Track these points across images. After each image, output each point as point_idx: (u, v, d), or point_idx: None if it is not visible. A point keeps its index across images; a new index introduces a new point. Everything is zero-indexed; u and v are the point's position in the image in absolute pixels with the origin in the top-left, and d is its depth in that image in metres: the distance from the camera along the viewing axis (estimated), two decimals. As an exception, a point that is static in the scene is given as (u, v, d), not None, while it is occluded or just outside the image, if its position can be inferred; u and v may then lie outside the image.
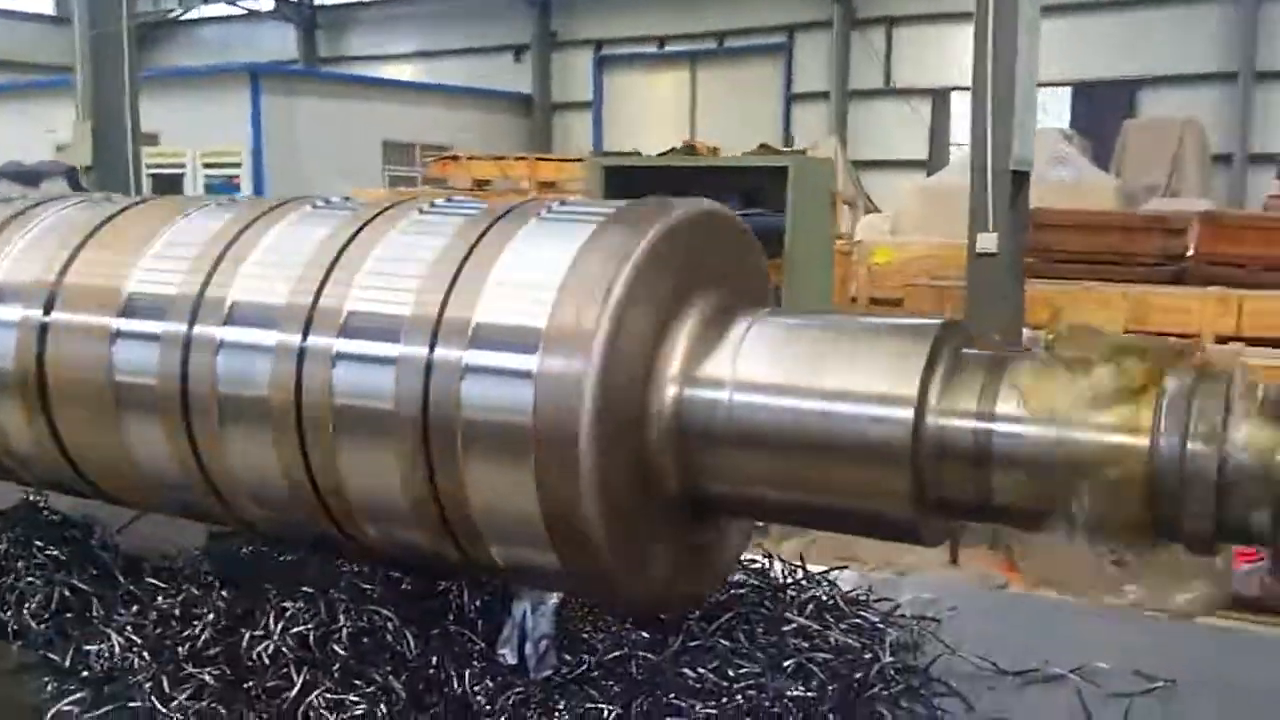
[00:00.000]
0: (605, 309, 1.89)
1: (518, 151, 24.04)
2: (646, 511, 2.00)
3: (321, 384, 2.14)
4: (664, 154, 10.06)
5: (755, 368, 1.94)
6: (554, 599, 2.63)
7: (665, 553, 2.10)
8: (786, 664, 2.40)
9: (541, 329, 1.93)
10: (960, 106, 28.83)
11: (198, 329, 2.32)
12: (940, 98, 28.57)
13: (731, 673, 2.40)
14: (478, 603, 2.75)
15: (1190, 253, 12.21)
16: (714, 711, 2.24)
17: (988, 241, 7.40)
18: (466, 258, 2.08)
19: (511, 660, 2.63)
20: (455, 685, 2.50)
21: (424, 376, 2.03)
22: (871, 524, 1.94)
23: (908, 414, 1.79)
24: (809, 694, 2.27)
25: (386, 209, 2.35)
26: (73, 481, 2.76)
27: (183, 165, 25.69)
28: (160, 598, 2.88)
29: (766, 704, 2.25)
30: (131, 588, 3.02)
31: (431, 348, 2.03)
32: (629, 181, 8.47)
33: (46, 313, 2.57)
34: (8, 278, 2.67)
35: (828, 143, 23.26)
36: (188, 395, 2.32)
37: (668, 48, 32.59)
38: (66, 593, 3.01)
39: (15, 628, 2.93)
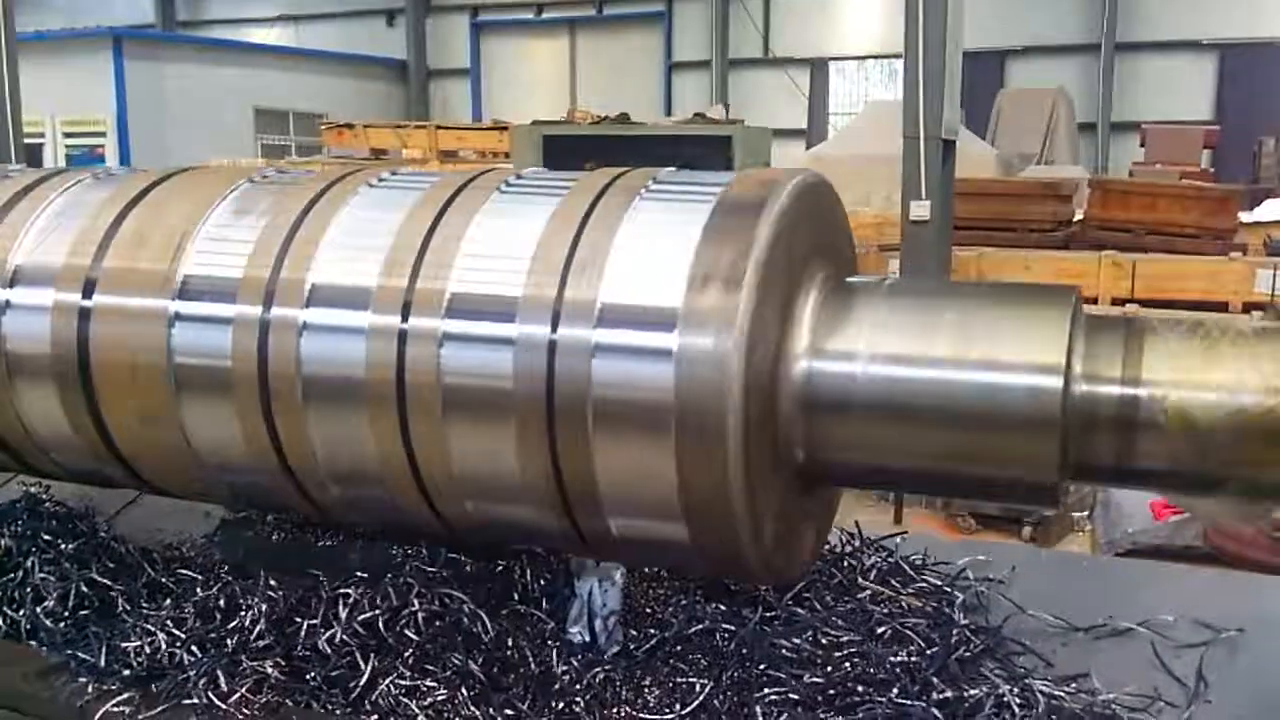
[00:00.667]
0: (745, 286, 1.89)
1: (395, 119, 23.58)
2: (775, 484, 2.01)
3: (427, 364, 2.09)
4: (597, 122, 9.99)
5: (888, 339, 1.96)
6: (620, 574, 2.62)
7: (786, 523, 2.11)
8: (882, 630, 2.44)
9: (678, 308, 1.91)
10: (837, 77, 29.36)
11: (277, 311, 2.22)
12: (819, 68, 28.99)
13: (825, 640, 2.43)
14: (540, 581, 2.72)
15: (1079, 218, 12.73)
16: (820, 680, 2.27)
17: (920, 209, 7.61)
18: (578, 238, 2.04)
19: (584, 639, 2.61)
20: (532, 665, 2.48)
21: (547, 355, 1.99)
22: (1010, 491, 1.99)
23: (1057, 381, 1.83)
24: (911, 660, 2.31)
25: (461, 187, 2.28)
26: (106, 467, 2.61)
27: (42, 135, 24.32)
28: (199, 589, 2.78)
29: (871, 671, 2.29)
30: (163, 579, 2.89)
31: (554, 327, 1.99)
32: (563, 150, 8.39)
33: (87, 296, 2.42)
34: (34, 259, 2.51)
35: (715, 111, 23.39)
36: (267, 377, 2.23)
37: (546, 15, 32.23)
38: (85, 588, 2.87)
39: (30, 626, 2.78)
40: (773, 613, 2.57)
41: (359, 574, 2.68)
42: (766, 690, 2.29)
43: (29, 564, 2.92)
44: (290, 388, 2.22)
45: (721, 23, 29.27)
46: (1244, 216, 13.08)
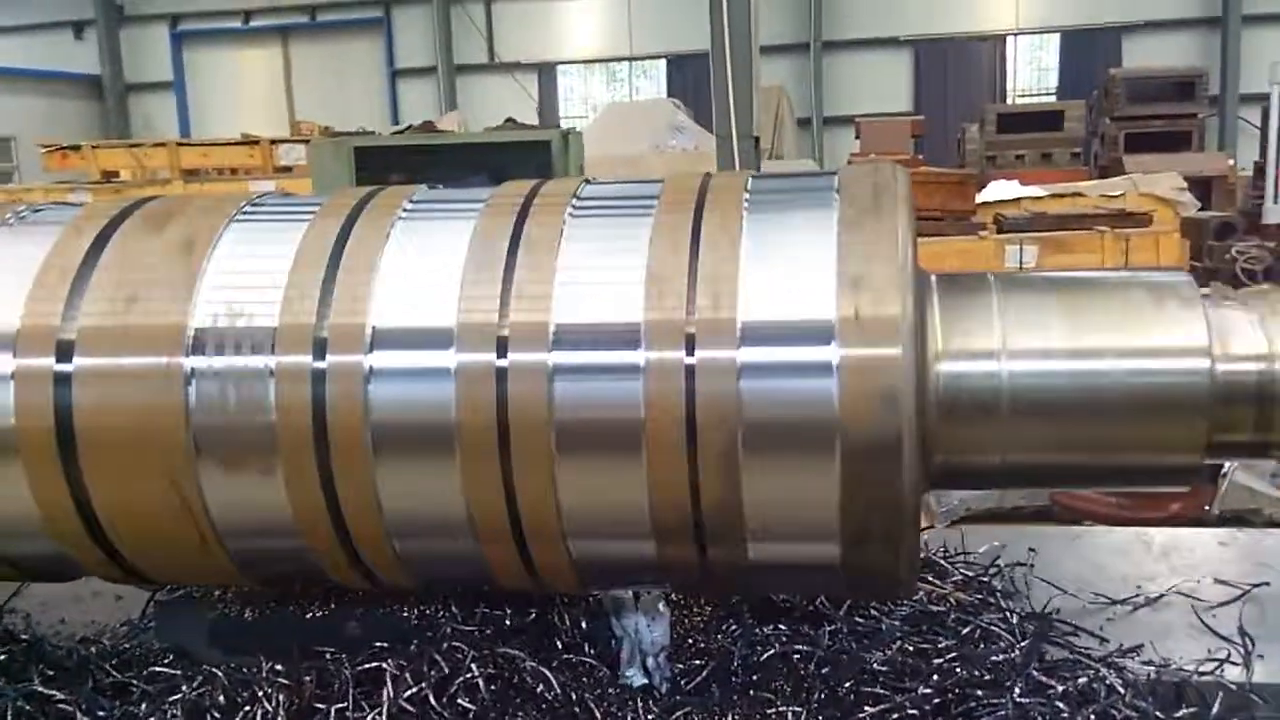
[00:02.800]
0: (903, 287, 1.81)
1: (90, 138, 21.62)
2: (922, 492, 1.94)
3: (535, 401, 1.88)
4: (400, 131, 9.48)
5: (1026, 334, 1.93)
6: (665, 607, 2.48)
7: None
8: (967, 629, 2.42)
9: (832, 319, 1.80)
10: (564, 80, 29.60)
11: (335, 358, 1.93)
12: (546, 72, 29.12)
13: (910, 647, 2.39)
14: (582, 624, 2.54)
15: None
16: (929, 691, 2.22)
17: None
18: (695, 254, 1.89)
19: (640, 681, 2.46)
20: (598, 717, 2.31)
21: (685, 380, 1.83)
22: (1154, 475, 2.01)
23: (1204, 364, 1.86)
24: (1004, 658, 2.31)
25: (522, 207, 2.08)
26: (76, 552, 2.20)
27: None
28: (184, 686, 2.40)
29: (974, 673, 2.26)
30: (129, 679, 2.48)
31: (690, 350, 1.83)
32: (373, 163, 7.93)
33: (64, 359, 2.03)
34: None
35: (448, 119, 23.02)
36: (325, 428, 1.94)
37: (255, 22, 30.64)
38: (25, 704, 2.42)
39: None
40: (833, 626, 2.51)
41: (377, 644, 2.41)
42: (867, 709, 2.23)
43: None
44: (355, 439, 1.94)
45: (444, 29, 28.84)
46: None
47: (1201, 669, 2.34)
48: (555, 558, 2.02)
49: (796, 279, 1.85)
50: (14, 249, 2.20)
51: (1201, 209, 14.94)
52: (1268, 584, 2.62)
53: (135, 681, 2.45)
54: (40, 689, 2.43)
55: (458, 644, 2.34)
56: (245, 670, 2.37)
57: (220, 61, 31.21)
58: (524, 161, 7.73)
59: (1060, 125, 19.87)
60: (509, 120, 12.56)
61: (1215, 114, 22.73)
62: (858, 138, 22.76)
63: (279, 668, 2.36)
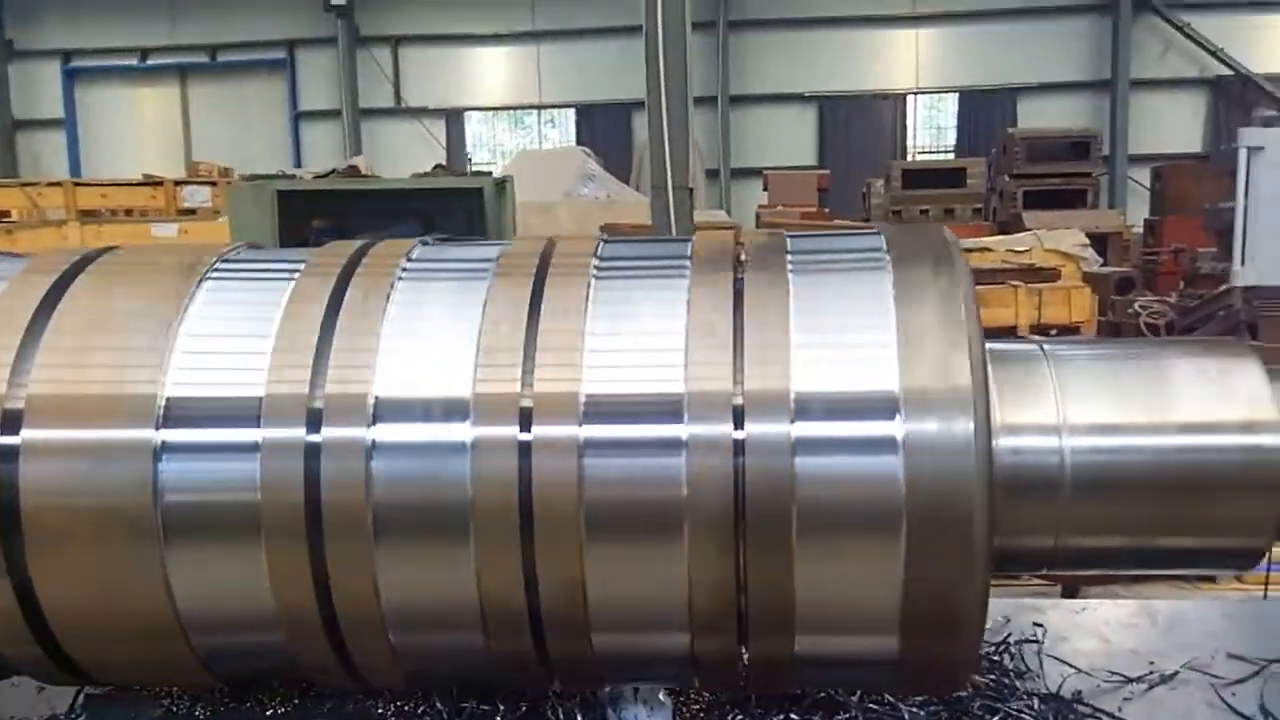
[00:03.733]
0: (970, 356, 1.66)
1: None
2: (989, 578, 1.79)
3: (564, 479, 1.69)
4: (323, 176, 9.10)
5: (1086, 408, 1.82)
6: (666, 697, 2.29)
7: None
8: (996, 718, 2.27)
9: (895, 390, 1.65)
10: (472, 126, 29.39)
11: (329, 432, 1.71)
12: (454, 118, 28.87)
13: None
14: (578, 718, 2.32)
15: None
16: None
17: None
18: (739, 321, 1.74)
19: (647, 775, 2.25)
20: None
21: (732, 457, 1.66)
22: (1219, 558, 1.89)
23: (1276, 439, 1.76)
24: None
25: (541, 267, 1.90)
26: (14, 650, 1.92)
27: None
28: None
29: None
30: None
31: (738, 424, 1.66)
32: (290, 205, 7.57)
33: (11, 432, 1.77)
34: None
35: (356, 162, 22.62)
36: (319, 510, 1.71)
37: (152, 60, 29.76)
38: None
39: None
40: (850, 714, 2.34)
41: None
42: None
43: None
44: (354, 520, 1.72)
45: (350, 71, 28.41)
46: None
47: (1232, 753, 2.23)
48: (577, 650, 1.82)
49: (851, 348, 1.70)
50: None
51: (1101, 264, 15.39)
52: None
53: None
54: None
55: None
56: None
57: (115, 100, 30.20)
58: (454, 209, 7.49)
59: (963, 182, 20.37)
60: (438, 166, 12.29)
61: (1106, 173, 23.55)
62: (765, 189, 22.99)
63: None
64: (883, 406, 1.66)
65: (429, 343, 1.78)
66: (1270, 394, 1.79)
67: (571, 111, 28.80)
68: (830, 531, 1.67)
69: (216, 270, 1.93)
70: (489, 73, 28.69)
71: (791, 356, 1.70)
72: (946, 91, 28.02)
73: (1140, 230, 20.16)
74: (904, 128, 28.41)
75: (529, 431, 1.70)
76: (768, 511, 1.66)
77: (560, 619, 1.76)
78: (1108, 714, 2.40)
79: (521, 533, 1.70)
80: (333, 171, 9.52)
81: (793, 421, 1.66)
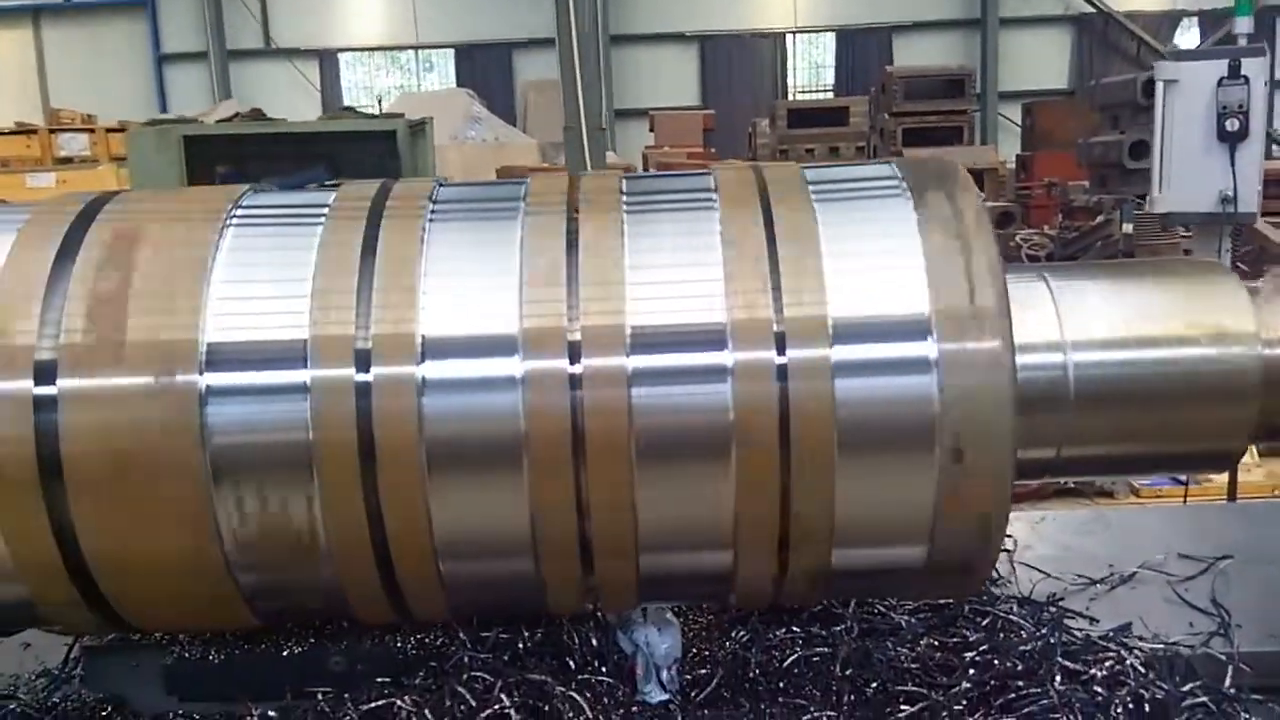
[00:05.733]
0: (995, 278, 1.78)
1: None
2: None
3: (614, 408, 1.74)
4: (227, 120, 8.75)
5: (1087, 325, 1.94)
6: (674, 616, 2.39)
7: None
8: (986, 620, 2.42)
9: (925, 312, 1.75)
10: (346, 69, 28.58)
11: (379, 371, 1.73)
12: (328, 59, 28.04)
13: (936, 642, 2.37)
14: (593, 641, 2.40)
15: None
16: (969, 684, 2.21)
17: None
18: (774, 251, 1.80)
19: (659, 698, 2.36)
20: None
21: (778, 382, 1.74)
22: (1203, 461, 2.04)
23: (1257, 350, 1.91)
24: (1033, 646, 2.32)
25: (570, 202, 1.93)
26: (56, 594, 1.91)
27: None
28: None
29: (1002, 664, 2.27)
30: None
31: (780, 350, 1.74)
32: (202, 153, 7.28)
33: (47, 382, 1.75)
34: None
35: (225, 107, 21.84)
36: (371, 447, 1.74)
37: (2, 2, 28.10)
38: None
39: None
40: (843, 625, 2.46)
41: (381, 678, 2.20)
42: (905, 707, 2.20)
43: None
44: (406, 455, 1.74)
45: (214, 10, 27.29)
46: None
47: (1184, 643, 2.43)
48: (624, 573, 1.89)
49: (882, 274, 1.79)
50: None
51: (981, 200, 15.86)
52: (1230, 557, 2.75)
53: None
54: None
55: (477, 674, 2.17)
56: (219, 716, 2.12)
57: (-41, 43, 28.52)
58: (365, 153, 7.35)
59: (846, 121, 20.70)
60: (346, 108, 11.95)
61: (980, 110, 24.23)
62: (651, 130, 23.00)
63: (271, 714, 2.13)
64: (916, 328, 1.75)
65: (470, 280, 1.81)
66: (1250, 308, 1.95)
67: (451, 52, 28.25)
68: (870, 449, 1.76)
69: (237, 215, 1.91)
70: (363, 11, 27.89)
71: (826, 284, 1.78)
72: (825, 30, 28.35)
73: (1013, 166, 20.85)
74: (784, 67, 28.70)
75: (578, 364, 1.75)
76: (809, 434, 1.74)
77: (610, 542, 1.83)
78: (1077, 613, 2.58)
79: (574, 460, 1.75)
80: (236, 115, 9.21)
81: (830, 346, 1.75)
